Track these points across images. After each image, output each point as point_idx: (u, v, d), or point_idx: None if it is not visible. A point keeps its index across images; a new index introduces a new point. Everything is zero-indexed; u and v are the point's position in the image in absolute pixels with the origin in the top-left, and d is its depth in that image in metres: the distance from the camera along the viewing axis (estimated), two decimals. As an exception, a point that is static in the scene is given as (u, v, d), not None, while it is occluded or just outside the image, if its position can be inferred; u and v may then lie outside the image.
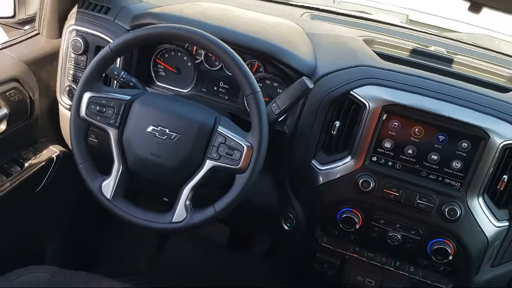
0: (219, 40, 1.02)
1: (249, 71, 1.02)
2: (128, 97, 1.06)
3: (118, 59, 1.27)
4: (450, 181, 1.08)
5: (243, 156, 1.00)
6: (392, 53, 1.26)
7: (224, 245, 1.84)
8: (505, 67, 1.34)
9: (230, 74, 1.22)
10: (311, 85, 1.06)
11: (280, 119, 1.25)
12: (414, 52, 1.30)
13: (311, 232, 1.25)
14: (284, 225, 1.29)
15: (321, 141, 1.17)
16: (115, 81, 1.26)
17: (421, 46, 1.33)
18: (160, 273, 1.81)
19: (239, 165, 1.01)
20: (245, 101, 1.26)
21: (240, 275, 1.79)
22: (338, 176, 1.15)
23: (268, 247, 1.80)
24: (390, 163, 1.12)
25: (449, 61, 1.28)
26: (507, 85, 1.21)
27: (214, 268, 1.80)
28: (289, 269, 1.53)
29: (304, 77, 1.07)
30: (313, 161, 1.18)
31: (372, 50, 1.23)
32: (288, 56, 1.18)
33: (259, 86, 1.18)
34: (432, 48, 1.33)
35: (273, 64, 1.23)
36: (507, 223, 1.09)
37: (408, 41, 1.36)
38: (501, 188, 1.07)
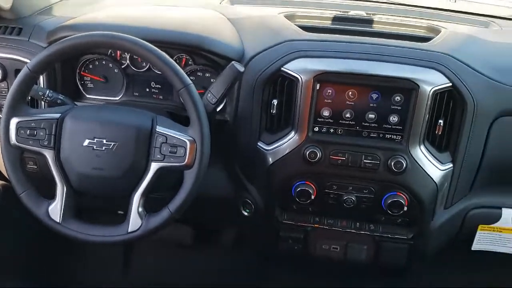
0: (139, 40, 1.00)
1: (177, 65, 1.01)
2: (57, 115, 1.02)
3: (42, 79, 1.23)
4: (390, 135, 1.12)
5: (187, 151, 0.99)
6: (314, 24, 1.28)
7: (190, 245, 1.83)
8: (423, 19, 1.39)
9: (159, 72, 1.20)
10: (241, 69, 1.07)
11: (219, 108, 1.25)
12: (335, 19, 1.33)
13: (270, 212, 1.26)
14: (243, 211, 1.30)
15: (263, 122, 1.18)
16: (42, 102, 1.21)
17: (341, 13, 1.36)
18: (132, 284, 1.78)
19: (185, 162, 1.00)
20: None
21: (212, 271, 1.79)
22: (286, 152, 1.16)
23: (234, 237, 1.81)
24: (332, 130, 1.14)
25: (370, 22, 1.32)
26: (428, 35, 1.26)
27: (186, 269, 1.79)
28: (258, 254, 1.54)
29: (233, 62, 1.07)
30: (259, 143, 1.19)
31: (295, 25, 1.25)
32: (214, 44, 1.18)
33: (192, 79, 1.17)
34: (352, 13, 1.36)
35: (200, 55, 1.22)
36: (451, 164, 1.14)
37: (328, 10, 1.38)
38: (439, 133, 1.11)
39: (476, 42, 1.23)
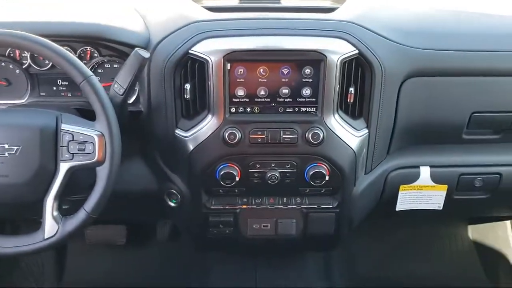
0: (32, 36, 0.94)
1: (74, 57, 0.96)
2: None
3: None
4: (305, 108, 1.13)
5: (96, 147, 0.95)
6: (221, 5, 1.26)
7: (125, 244, 1.78)
8: None
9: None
10: (146, 55, 1.03)
11: (133, 99, 1.21)
12: None
13: (197, 200, 1.24)
14: (170, 202, 1.27)
15: (178, 109, 1.15)
16: None
17: None
18: None
19: (96, 158, 0.96)
20: None
21: (149, 267, 1.76)
22: (205, 137, 1.14)
23: (169, 230, 1.78)
24: (248, 109, 1.13)
25: None
26: (334, 5, 1.27)
27: (122, 269, 1.75)
28: (195, 243, 1.52)
29: (136, 49, 1.03)
30: (177, 131, 1.16)
31: (201, 6, 1.22)
32: (116, 32, 1.13)
33: (99, 72, 1.11)
34: None
35: (104, 45, 1.17)
36: (366, 130, 1.17)
37: None
38: (351, 101, 1.14)
39: (380, 8, 1.26)
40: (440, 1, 1.46)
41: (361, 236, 1.81)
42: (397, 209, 1.33)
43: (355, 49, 1.09)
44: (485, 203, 1.38)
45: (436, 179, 1.28)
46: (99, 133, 0.95)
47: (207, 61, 1.08)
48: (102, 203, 0.97)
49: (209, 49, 1.09)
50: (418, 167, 1.28)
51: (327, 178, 1.16)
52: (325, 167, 1.16)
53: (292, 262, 1.78)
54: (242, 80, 1.11)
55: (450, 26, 1.24)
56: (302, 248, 1.59)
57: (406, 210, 1.34)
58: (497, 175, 1.29)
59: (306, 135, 1.13)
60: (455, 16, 1.31)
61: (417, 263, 1.92)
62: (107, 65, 1.22)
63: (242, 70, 1.10)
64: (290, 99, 1.12)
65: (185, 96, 1.12)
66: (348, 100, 1.13)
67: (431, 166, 1.28)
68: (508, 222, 1.89)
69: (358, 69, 1.12)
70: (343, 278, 1.84)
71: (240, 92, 1.12)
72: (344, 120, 1.14)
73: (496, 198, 1.36)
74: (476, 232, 1.98)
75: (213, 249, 1.62)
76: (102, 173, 0.96)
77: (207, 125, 1.13)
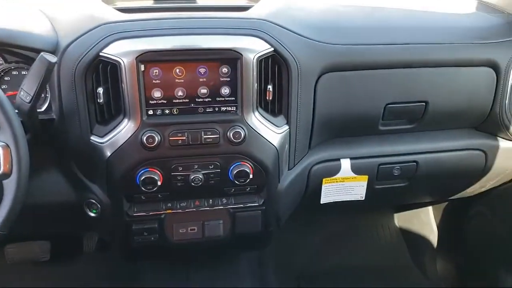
0: None
1: None
2: None
3: None
4: (225, 108, 1.12)
5: (1, 159, 0.89)
6: (133, 5, 1.22)
7: (49, 261, 1.68)
8: None
9: None
10: (53, 59, 0.97)
11: (44, 107, 1.14)
12: None
13: (118, 208, 1.19)
14: (90, 213, 1.22)
15: (92, 114, 1.10)
16: None
17: None
18: None
19: (1, 170, 0.89)
20: None
21: (76, 281, 1.68)
22: (122, 142, 1.10)
23: (96, 241, 1.70)
24: (167, 111, 1.10)
25: None
26: (249, 4, 1.27)
27: (48, 286, 1.66)
28: (123, 253, 1.47)
29: (42, 53, 0.97)
30: (92, 138, 1.11)
31: (113, 7, 1.18)
32: (19, 36, 1.06)
33: (6, 80, 1.05)
34: None
35: (9, 51, 1.10)
36: (287, 127, 1.18)
37: None
38: (270, 98, 1.14)
39: (293, 6, 1.28)
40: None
41: (293, 231, 1.83)
42: (321, 202, 1.35)
43: (270, 46, 1.10)
44: (405, 190, 1.44)
45: (356, 170, 1.31)
46: (4, 143, 0.89)
47: (119, 63, 1.04)
48: (11, 218, 0.91)
49: (121, 51, 1.05)
50: (339, 159, 1.31)
51: (251, 176, 1.16)
52: (249, 166, 1.16)
53: (225, 262, 1.77)
54: (158, 81, 1.08)
55: (362, 22, 1.28)
56: (233, 248, 1.58)
57: (331, 202, 1.37)
58: (414, 163, 1.35)
59: (228, 134, 1.12)
60: (368, 12, 1.36)
61: (349, 254, 1.97)
62: (14, 72, 1.14)
63: (157, 71, 1.07)
64: (209, 99, 1.11)
65: (99, 100, 1.07)
66: (267, 98, 1.14)
67: (351, 158, 1.31)
68: (430, 207, 1.99)
69: (274, 66, 1.13)
70: (277, 273, 1.86)
71: (157, 94, 1.09)
72: (265, 118, 1.15)
73: (414, 185, 1.43)
74: (401, 219, 2.07)
75: (142, 258, 1.57)
76: (9, 186, 0.90)
77: (124, 130, 1.09)
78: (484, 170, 1.42)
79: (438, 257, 1.94)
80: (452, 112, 1.30)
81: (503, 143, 1.38)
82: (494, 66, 1.26)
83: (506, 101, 1.29)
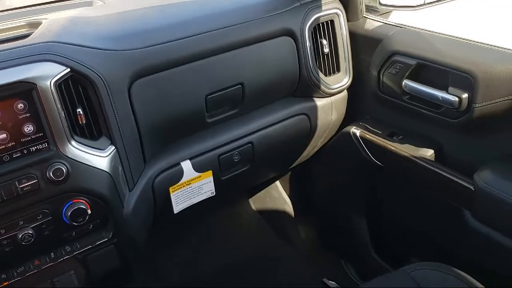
0: None
1: None
2: None
3: None
4: (35, 147, 0.98)
5: None
6: None
7: None
8: (24, 18, 1.25)
9: None
10: None
11: None
12: None
13: None
14: None
15: None
16: None
17: None
18: None
19: None
20: None
21: None
22: None
23: None
24: None
25: None
26: (29, 31, 1.13)
27: None
28: None
29: None
30: None
31: None
32: None
33: None
34: None
35: None
36: (113, 147, 1.08)
37: None
38: (84, 122, 1.03)
39: (79, 22, 1.18)
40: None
41: (161, 250, 1.75)
42: (175, 212, 1.29)
43: (65, 67, 0.99)
44: (250, 173, 1.46)
45: (199, 168, 1.28)
46: None
47: None
48: None
49: None
50: (179, 163, 1.26)
51: (89, 212, 1.04)
52: (84, 201, 1.04)
53: None
54: None
55: (155, 22, 1.23)
56: None
57: (187, 208, 1.32)
58: (250, 144, 1.37)
59: (47, 175, 0.98)
60: (159, 11, 1.32)
61: (225, 253, 1.95)
62: None
63: None
64: (13, 143, 0.96)
65: None
66: (80, 122, 1.03)
67: (190, 159, 1.27)
68: (277, 182, 2.06)
69: (78, 87, 1.02)
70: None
71: None
72: (85, 145, 1.03)
73: (257, 165, 1.45)
74: (256, 202, 2.12)
75: None
76: None
77: None
78: (311, 131, 1.50)
79: (299, 225, 2.03)
80: (268, 87, 1.35)
81: (319, 102, 1.47)
82: (290, 33, 1.33)
83: (310, 63, 1.38)
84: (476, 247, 1.31)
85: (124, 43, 1.12)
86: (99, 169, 1.05)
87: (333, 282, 1.80)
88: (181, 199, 1.29)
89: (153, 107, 1.15)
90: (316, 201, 1.92)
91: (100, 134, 1.08)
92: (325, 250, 1.96)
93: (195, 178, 1.29)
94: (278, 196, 2.06)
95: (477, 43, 1.27)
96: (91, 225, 1.09)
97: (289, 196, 2.05)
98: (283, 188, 2.07)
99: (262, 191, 2.08)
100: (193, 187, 1.30)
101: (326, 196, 1.85)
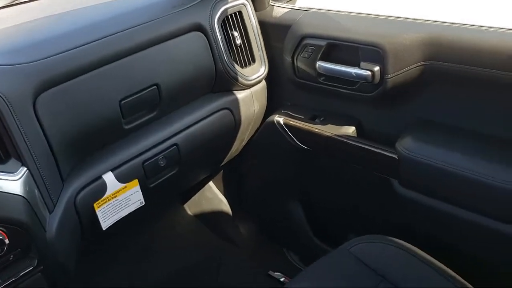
0: None
1: None
2: None
3: None
4: None
5: None
6: None
7: None
8: None
9: None
10: None
11: None
12: None
13: None
14: None
15: None
16: None
17: None
18: None
19: None
20: None
21: None
22: None
23: None
24: None
25: None
26: None
27: None
28: None
29: None
30: None
31: None
32: None
33: None
34: None
35: None
36: (24, 168, 0.99)
37: None
38: None
39: None
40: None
41: (98, 269, 1.66)
42: (104, 228, 1.22)
43: None
44: (179, 177, 1.41)
45: (123, 179, 1.22)
46: None
47: None
48: None
49: None
50: (100, 177, 1.18)
51: (7, 241, 0.95)
52: None
53: None
54: None
55: (55, 30, 1.16)
56: None
57: (116, 222, 1.25)
58: (174, 146, 1.33)
59: None
60: (59, 19, 1.25)
61: (166, 263, 1.89)
62: None
63: None
64: None
65: None
66: None
67: (112, 170, 1.20)
68: (210, 182, 2.03)
69: None
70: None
71: None
72: None
73: (185, 168, 1.41)
74: (191, 207, 2.07)
75: None
76: None
77: None
78: (235, 125, 1.49)
79: (238, 223, 2.01)
80: (185, 85, 1.31)
81: (240, 94, 1.46)
82: (200, 28, 1.30)
83: (224, 56, 1.36)
84: (408, 214, 1.35)
85: (23, 57, 1.04)
86: (11, 194, 0.96)
87: (279, 273, 1.80)
88: (108, 214, 1.22)
89: (63, 120, 1.07)
90: (251, 195, 1.91)
91: (8, 156, 0.99)
92: (268, 242, 1.96)
93: (121, 190, 1.22)
94: (213, 197, 2.02)
95: (382, 17, 1.31)
96: (11, 256, 0.99)
97: (225, 195, 2.02)
98: (217, 188, 2.03)
99: (196, 195, 2.04)
100: (119, 200, 1.23)
101: (261, 189, 1.84)
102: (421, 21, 1.24)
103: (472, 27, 1.17)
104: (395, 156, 1.27)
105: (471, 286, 1.09)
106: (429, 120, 1.29)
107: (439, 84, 1.23)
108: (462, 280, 1.10)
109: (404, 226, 1.38)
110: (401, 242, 1.21)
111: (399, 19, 1.28)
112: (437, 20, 1.22)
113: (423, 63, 1.21)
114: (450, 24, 1.20)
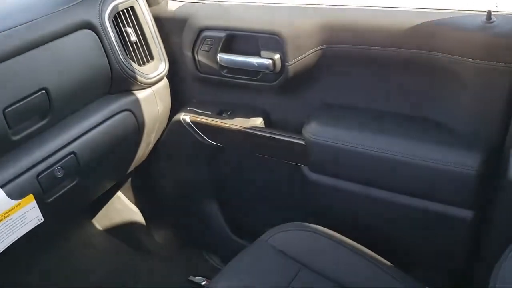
0: None
1: None
2: None
3: None
4: None
5: None
6: None
7: None
8: None
9: None
10: None
11: None
12: None
13: None
14: None
15: None
16: None
17: None
18: None
19: None
20: None
21: None
22: None
23: None
24: None
25: None
26: None
27: None
28: None
29: None
30: None
31: None
32: None
33: None
34: None
35: None
36: None
37: None
38: None
39: None
40: None
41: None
42: (1, 251, 1.09)
43: None
44: (82, 188, 1.30)
45: (16, 195, 1.09)
46: None
47: None
48: None
49: None
50: None
51: None
52: None
53: None
54: None
55: None
56: None
57: (14, 244, 1.12)
58: (72, 155, 1.22)
59: None
60: None
61: (79, 283, 1.75)
62: None
63: None
64: None
65: None
66: None
67: (2, 186, 1.08)
68: (118, 192, 1.91)
69: None
70: None
71: None
72: None
73: (88, 177, 1.31)
74: (101, 221, 1.94)
75: None
76: None
77: None
78: (139, 127, 1.41)
79: (153, 231, 1.92)
80: (78, 88, 1.21)
81: (140, 94, 1.39)
82: (89, 26, 1.21)
83: (119, 55, 1.28)
84: (320, 198, 1.37)
85: None
86: None
87: (200, 277, 1.74)
88: (2, 236, 1.09)
89: None
90: (165, 200, 1.83)
91: None
92: (187, 247, 1.89)
93: (14, 208, 1.10)
94: (123, 207, 1.91)
95: (278, 5, 1.31)
96: None
97: (136, 204, 1.92)
98: (127, 198, 1.93)
99: (104, 207, 1.91)
100: (13, 219, 1.10)
101: (174, 192, 1.77)
102: (316, 6, 1.26)
103: (364, 7, 1.21)
104: (303, 142, 1.27)
105: (389, 263, 1.12)
106: (333, 103, 1.31)
107: (338, 66, 1.26)
108: (380, 258, 1.13)
109: (318, 210, 1.39)
110: (317, 227, 1.21)
111: (295, 6, 1.28)
112: (332, 4, 1.25)
113: (320, 47, 1.22)
114: (343, 7, 1.23)
